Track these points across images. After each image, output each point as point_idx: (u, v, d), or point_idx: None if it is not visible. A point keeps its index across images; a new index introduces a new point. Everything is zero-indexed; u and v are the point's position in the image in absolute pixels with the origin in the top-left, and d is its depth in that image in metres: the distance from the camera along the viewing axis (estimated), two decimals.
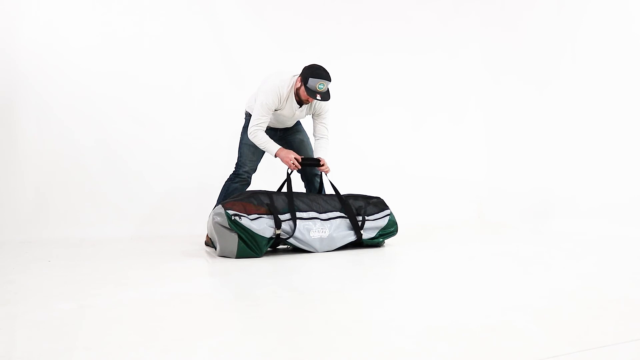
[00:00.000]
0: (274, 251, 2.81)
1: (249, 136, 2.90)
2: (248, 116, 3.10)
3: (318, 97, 2.77)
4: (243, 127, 3.13)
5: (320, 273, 2.25)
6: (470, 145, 4.89)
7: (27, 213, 3.57)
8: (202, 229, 3.53)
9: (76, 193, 3.70)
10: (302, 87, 2.81)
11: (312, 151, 3.17)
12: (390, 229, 3.01)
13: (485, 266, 2.34)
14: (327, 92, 2.81)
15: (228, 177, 3.13)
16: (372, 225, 2.94)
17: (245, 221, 2.56)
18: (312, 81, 2.76)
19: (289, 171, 2.88)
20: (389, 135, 4.64)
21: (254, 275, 2.17)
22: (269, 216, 2.64)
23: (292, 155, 2.85)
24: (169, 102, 3.97)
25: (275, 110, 2.90)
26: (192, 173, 3.99)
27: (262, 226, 2.61)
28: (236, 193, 3.00)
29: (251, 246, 2.58)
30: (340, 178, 4.38)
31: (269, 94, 2.84)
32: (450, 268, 2.30)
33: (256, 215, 2.62)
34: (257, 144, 2.89)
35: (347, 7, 4.53)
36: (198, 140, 4.04)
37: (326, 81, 2.78)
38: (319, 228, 2.76)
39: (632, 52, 3.50)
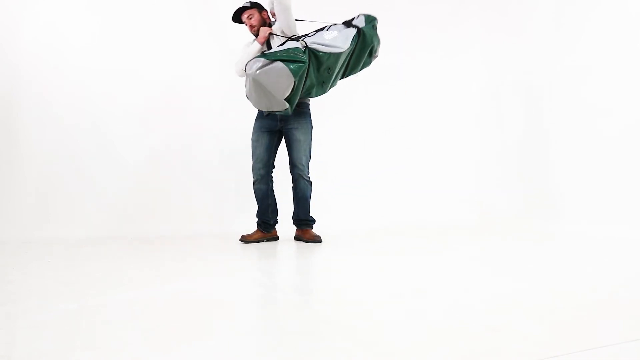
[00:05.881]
0: (274, 251, 2.81)
1: (235, 71, 3.11)
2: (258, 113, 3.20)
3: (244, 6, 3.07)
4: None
5: (321, 273, 2.25)
6: (471, 145, 4.89)
7: (27, 213, 3.57)
8: (203, 229, 3.54)
9: (76, 193, 3.70)
10: (248, 24, 3.08)
11: (302, 151, 3.11)
12: (373, 18, 3.14)
13: (485, 266, 2.34)
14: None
15: None
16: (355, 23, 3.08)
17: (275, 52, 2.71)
18: (236, 17, 3.11)
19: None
20: (388, 136, 4.63)
21: (254, 275, 2.16)
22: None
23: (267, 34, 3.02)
24: (169, 102, 3.97)
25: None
26: (192, 173, 3.99)
27: (291, 46, 2.75)
28: (260, 195, 3.16)
29: (294, 58, 2.68)
30: (340, 178, 4.38)
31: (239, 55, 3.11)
32: (450, 268, 2.30)
33: None
34: (244, 62, 2.95)
35: (347, 7, 4.52)
36: (198, 140, 4.04)
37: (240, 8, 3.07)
38: (326, 32, 2.95)
39: (633, 55, 3.50)
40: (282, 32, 3.00)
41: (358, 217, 4.18)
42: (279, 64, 2.64)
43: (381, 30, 4.57)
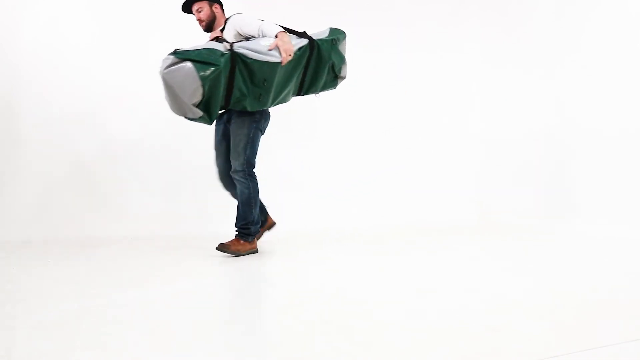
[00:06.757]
0: (273, 252, 2.81)
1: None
2: None
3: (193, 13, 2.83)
4: None
5: (320, 273, 2.25)
6: (471, 145, 4.89)
7: (27, 213, 3.57)
8: (202, 229, 3.53)
9: (76, 193, 3.70)
10: (197, 17, 2.84)
11: (234, 149, 2.71)
12: (338, 32, 2.80)
13: (485, 266, 2.34)
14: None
15: None
16: (317, 36, 2.73)
17: (189, 50, 2.37)
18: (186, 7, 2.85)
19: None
20: (388, 136, 4.63)
21: (253, 275, 2.17)
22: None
23: (291, 49, 2.54)
24: None
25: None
26: (192, 173, 3.98)
27: (209, 46, 2.42)
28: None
29: (206, 60, 2.32)
30: (340, 177, 4.38)
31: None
32: (451, 268, 2.30)
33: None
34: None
35: (347, 8, 4.52)
36: (199, 141, 4.02)
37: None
38: (264, 39, 2.54)
39: (635, 54, 3.50)
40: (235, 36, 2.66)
41: (358, 217, 4.18)
42: (188, 64, 2.30)
43: (381, 29, 4.60)
